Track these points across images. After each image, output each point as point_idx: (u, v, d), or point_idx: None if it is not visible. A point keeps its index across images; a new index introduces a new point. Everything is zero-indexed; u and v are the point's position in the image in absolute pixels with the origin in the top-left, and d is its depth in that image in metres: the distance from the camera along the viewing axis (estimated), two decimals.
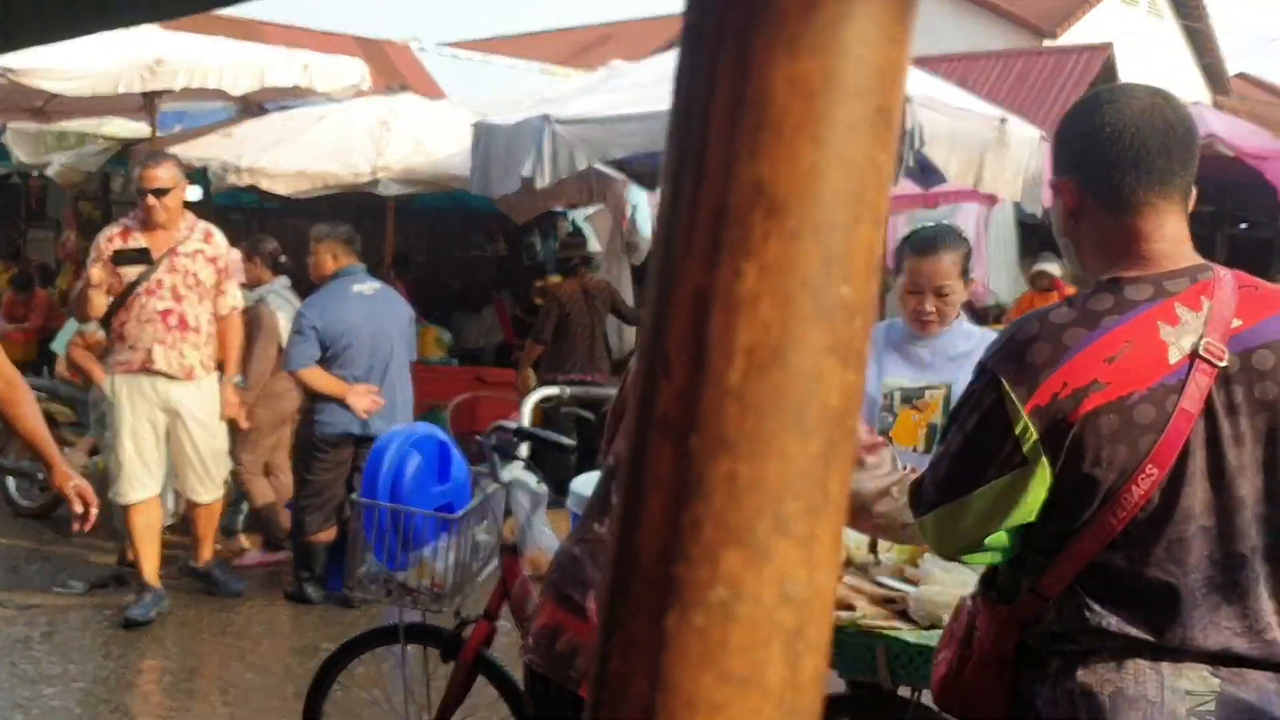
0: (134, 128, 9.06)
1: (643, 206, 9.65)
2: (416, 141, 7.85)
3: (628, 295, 8.63)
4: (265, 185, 7.63)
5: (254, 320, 5.78)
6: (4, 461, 6.50)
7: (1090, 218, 1.76)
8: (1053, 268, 10.26)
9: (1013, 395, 1.64)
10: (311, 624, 5.33)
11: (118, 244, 5.12)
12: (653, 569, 0.48)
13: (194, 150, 7.68)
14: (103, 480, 5.19)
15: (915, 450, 3.12)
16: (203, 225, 5.34)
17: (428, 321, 9.44)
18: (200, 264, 5.22)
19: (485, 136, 6.78)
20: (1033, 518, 1.68)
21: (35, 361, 8.55)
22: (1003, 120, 6.29)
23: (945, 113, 5.88)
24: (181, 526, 5.86)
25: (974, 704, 1.84)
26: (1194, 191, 1.77)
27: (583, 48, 20.60)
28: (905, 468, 2.27)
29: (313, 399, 5.43)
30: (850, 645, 2.50)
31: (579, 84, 8.08)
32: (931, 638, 2.37)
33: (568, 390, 3.23)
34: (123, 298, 5.08)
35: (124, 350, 5.13)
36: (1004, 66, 17.12)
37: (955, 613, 1.98)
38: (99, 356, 5.67)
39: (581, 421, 5.93)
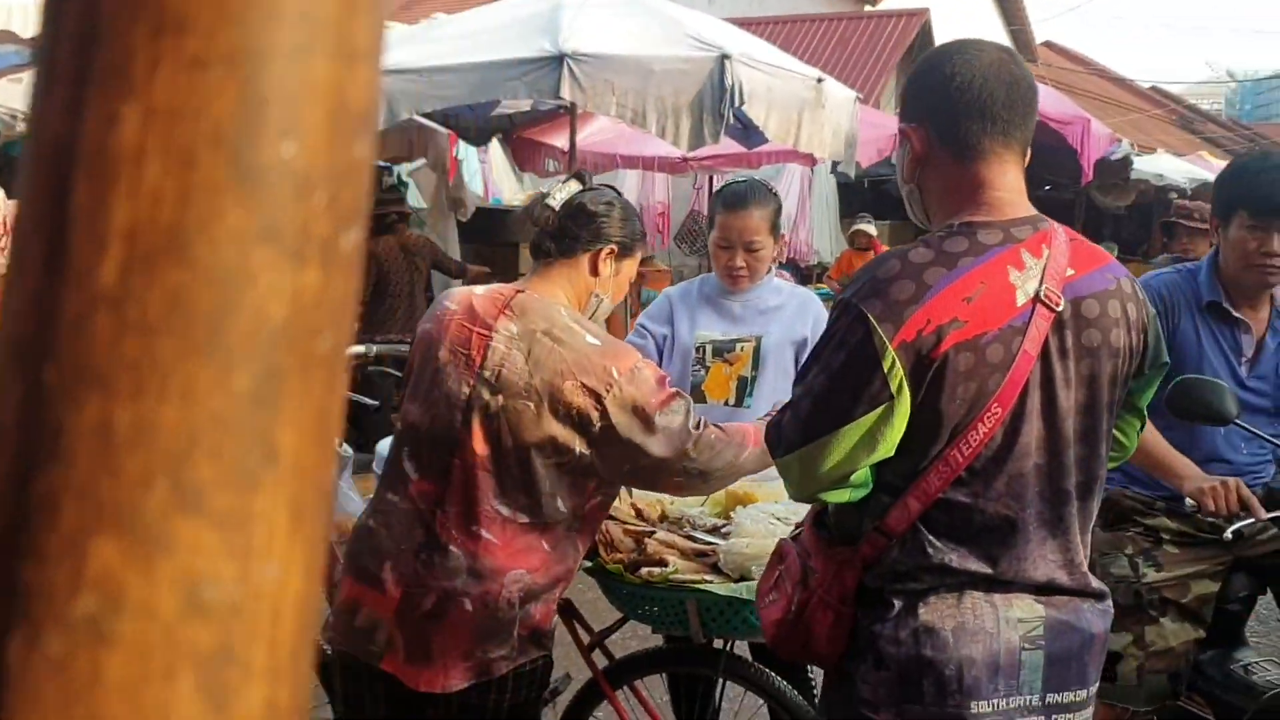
0: None
1: (471, 161, 9.48)
2: None
3: (455, 253, 8.47)
4: None
5: None
6: None
7: (936, 165, 1.82)
8: (870, 228, 10.60)
9: (880, 331, 1.67)
10: None
11: None
12: None
13: None
14: None
15: (727, 404, 3.14)
16: None
17: None
18: None
19: None
20: (891, 453, 1.71)
21: None
22: (819, 80, 6.37)
23: (764, 70, 5.91)
24: None
25: (812, 646, 1.85)
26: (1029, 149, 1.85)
27: (411, 2, 20.02)
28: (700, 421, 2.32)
29: None
30: (664, 600, 2.50)
31: (398, 35, 7.83)
32: (741, 590, 2.39)
33: (374, 348, 3.10)
34: None
35: None
36: (826, 29, 17.46)
37: (779, 555, 1.99)
38: None
39: (398, 381, 5.79)
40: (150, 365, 0.33)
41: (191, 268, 0.33)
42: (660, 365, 3.22)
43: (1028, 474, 1.75)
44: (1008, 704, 1.74)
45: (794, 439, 1.75)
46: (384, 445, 3.04)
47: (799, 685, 2.88)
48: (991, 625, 1.74)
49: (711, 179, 10.83)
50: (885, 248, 10.86)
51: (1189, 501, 2.76)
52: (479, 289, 2.41)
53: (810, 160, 9.50)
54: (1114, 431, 1.90)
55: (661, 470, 2.27)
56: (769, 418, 2.17)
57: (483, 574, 2.22)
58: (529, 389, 2.22)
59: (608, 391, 2.22)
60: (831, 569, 1.82)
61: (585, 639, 2.77)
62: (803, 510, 2.68)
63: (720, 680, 2.76)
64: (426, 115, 7.21)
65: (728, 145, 7.81)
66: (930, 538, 1.74)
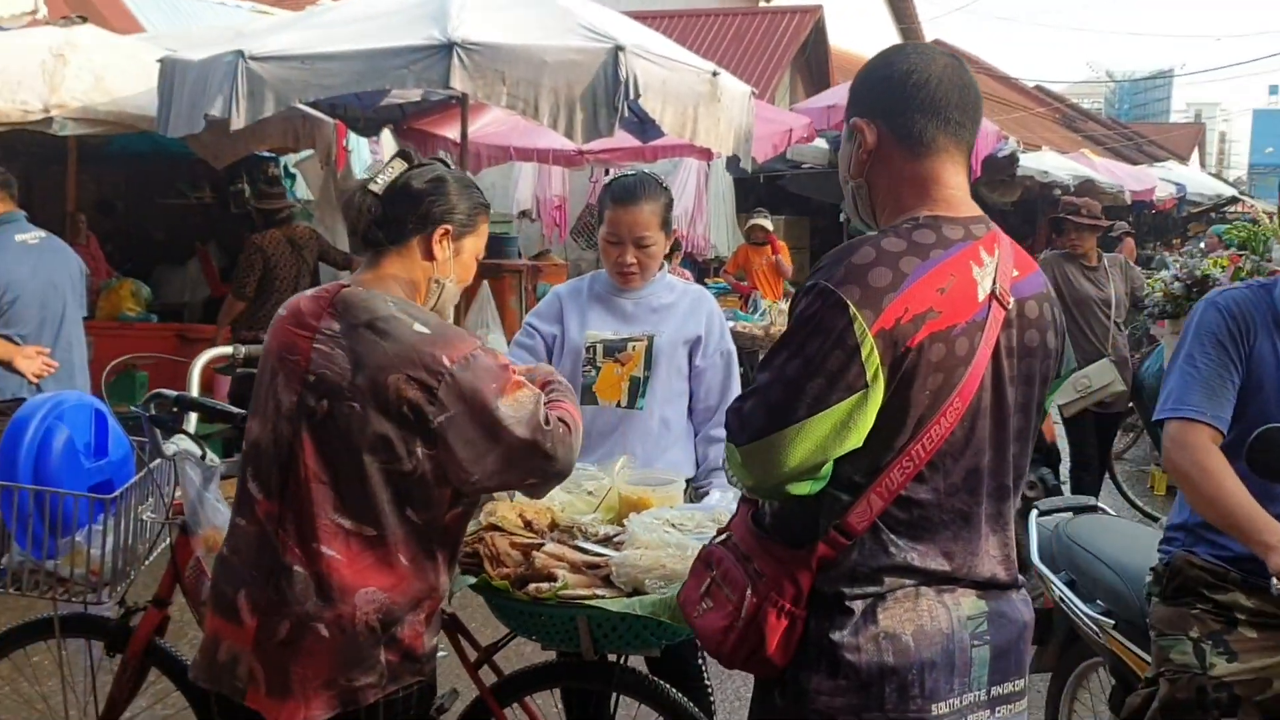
0: None
1: (362, 152, 9.20)
2: (97, 77, 7.10)
3: (343, 245, 8.20)
4: None
5: None
6: None
7: (888, 160, 1.81)
8: (766, 222, 10.64)
9: (860, 317, 1.64)
10: None
11: None
12: None
13: None
14: None
15: (619, 405, 3.04)
16: None
17: (123, 275, 8.73)
18: None
19: (173, 73, 6.20)
20: (860, 444, 1.67)
21: None
22: (714, 74, 6.30)
23: (659, 63, 5.82)
24: None
25: (763, 653, 1.75)
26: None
27: None
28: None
29: None
30: (554, 617, 2.38)
31: (279, 20, 7.54)
32: (634, 605, 2.28)
33: (242, 349, 2.91)
34: None
35: None
36: (721, 25, 17.51)
37: (705, 561, 1.89)
38: None
39: None
40: None
41: None
42: (550, 365, 3.10)
43: (982, 470, 1.76)
44: (961, 702, 1.74)
45: (761, 425, 1.68)
46: None
47: (696, 697, 2.78)
48: (946, 625, 1.73)
49: (608, 172, 10.72)
50: (782, 243, 10.94)
51: (1276, 582, 2.21)
52: (309, 291, 2.25)
53: (706, 155, 9.46)
54: None
55: (513, 466, 2.13)
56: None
57: (331, 595, 2.07)
58: (353, 389, 2.07)
59: (439, 382, 2.07)
60: (782, 571, 1.75)
61: (472, 654, 2.63)
62: (699, 516, 2.60)
63: (615, 696, 2.64)
64: (312, 105, 6.96)
65: (624, 139, 7.72)
66: (891, 536, 1.72)
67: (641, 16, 10.22)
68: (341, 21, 6.08)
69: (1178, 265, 5.62)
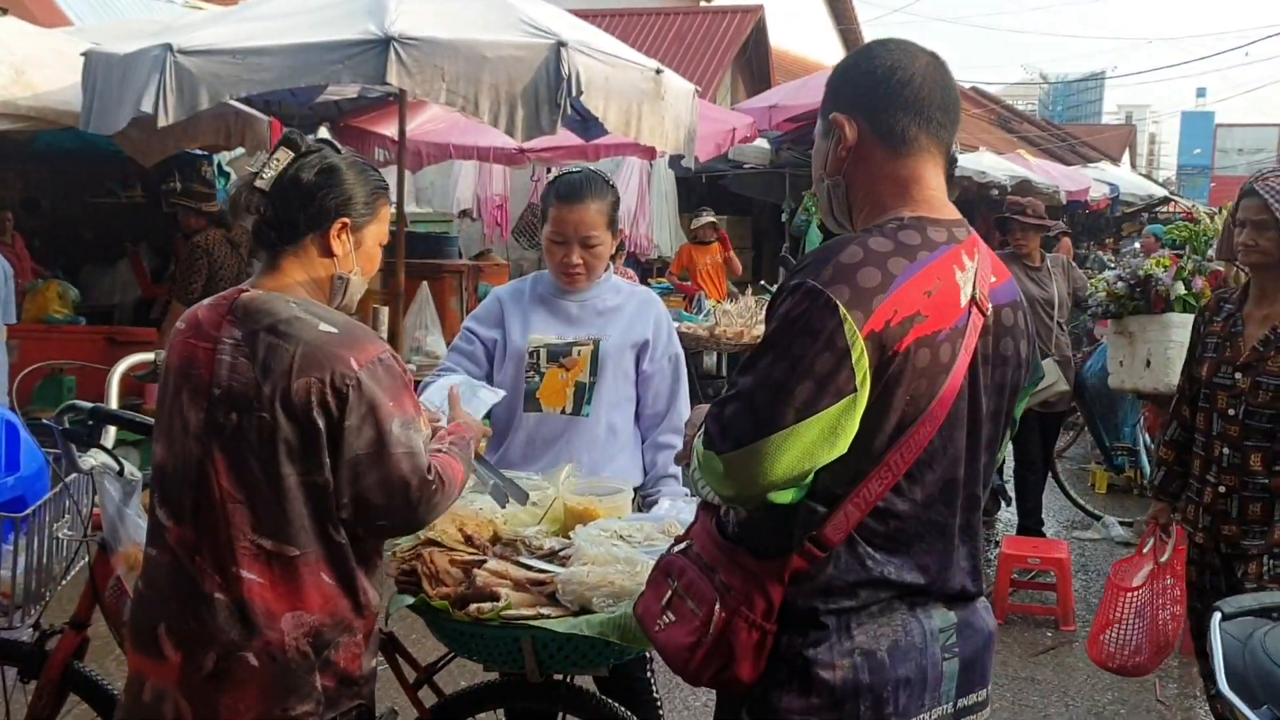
0: None
1: None
2: (17, 71, 6.86)
3: None
4: None
5: None
6: None
7: (869, 158, 1.75)
8: (717, 220, 10.59)
9: (851, 319, 1.57)
10: None
11: None
12: None
13: None
14: None
15: (564, 411, 2.92)
16: None
17: (49, 276, 8.45)
18: None
19: (98, 67, 5.98)
20: (845, 450, 1.59)
21: None
22: (658, 71, 6.21)
23: (601, 59, 5.71)
24: None
25: (733, 669, 1.67)
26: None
27: None
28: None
29: None
30: (497, 638, 2.26)
31: (210, 13, 7.33)
32: (581, 625, 2.17)
33: (163, 354, 2.76)
34: None
35: None
36: (663, 24, 17.45)
37: (666, 572, 1.80)
38: None
39: None
40: None
41: None
42: (492, 372, 2.98)
43: (958, 480, 1.70)
44: (930, 716, 1.70)
45: (745, 433, 1.58)
46: None
47: (645, 712, 2.70)
48: (920, 640, 1.68)
49: (550, 171, 10.59)
50: (729, 242, 10.93)
51: None
52: (206, 300, 2.12)
53: (650, 154, 9.37)
54: None
55: (377, 500, 1.99)
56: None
57: (255, 622, 1.95)
58: (262, 399, 1.94)
59: (346, 387, 1.95)
60: (752, 584, 1.66)
61: (411, 675, 2.51)
62: (648, 527, 2.50)
63: (561, 715, 2.53)
64: (246, 101, 6.76)
65: (566, 137, 7.59)
66: (868, 549, 1.65)
67: (582, 15, 10.11)
68: (275, 15, 5.89)
69: (1121, 266, 5.64)
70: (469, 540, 2.43)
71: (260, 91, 5.77)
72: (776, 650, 1.67)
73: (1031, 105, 55.83)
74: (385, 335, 6.47)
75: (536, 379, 2.94)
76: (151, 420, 2.67)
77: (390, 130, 8.42)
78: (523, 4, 5.87)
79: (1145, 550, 3.71)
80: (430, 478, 2.02)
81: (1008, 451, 6.34)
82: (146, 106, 5.48)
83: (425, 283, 7.88)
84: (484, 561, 2.33)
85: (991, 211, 12.21)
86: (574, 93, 5.44)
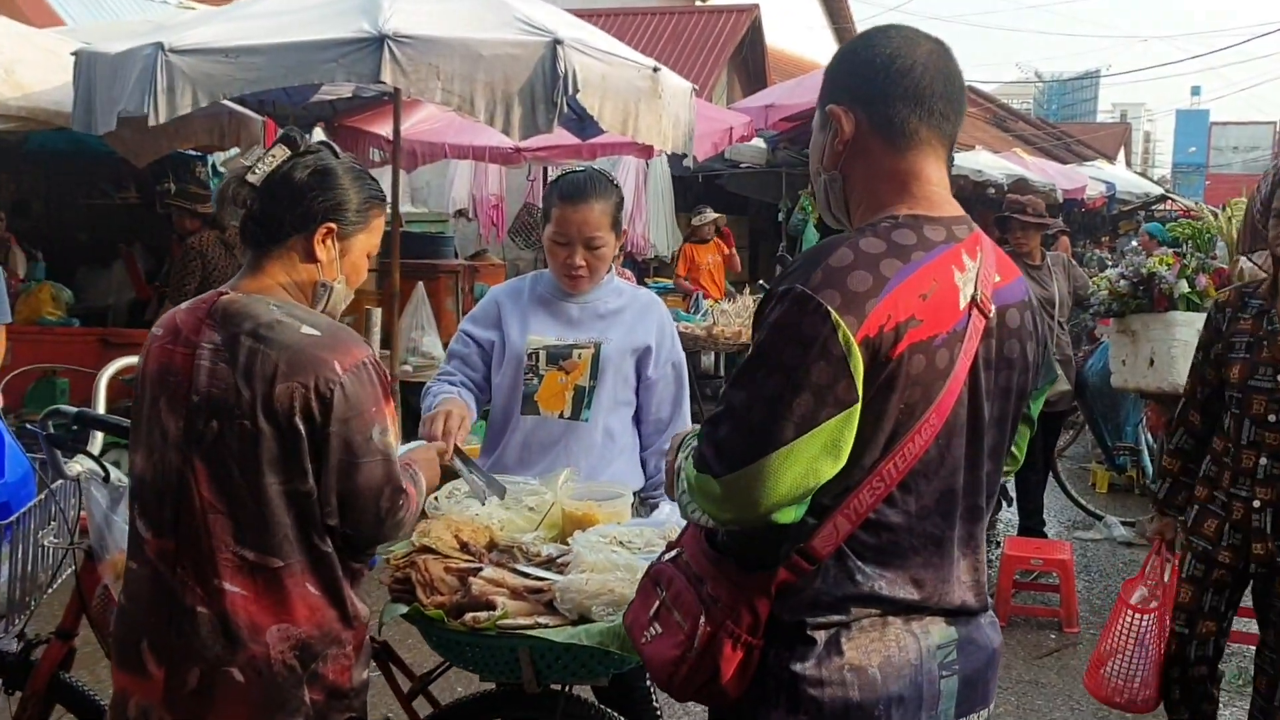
0: None
1: None
2: (7, 70, 6.80)
3: None
4: None
5: None
6: None
7: (867, 152, 1.67)
8: (719, 217, 10.54)
9: (844, 325, 1.49)
10: None
11: None
12: None
13: None
14: None
15: (562, 416, 2.86)
16: None
17: (43, 278, 8.41)
18: None
19: (88, 66, 5.92)
20: (844, 464, 1.51)
21: None
22: (655, 69, 6.15)
23: (598, 58, 5.66)
24: None
25: (717, 685, 1.60)
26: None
27: None
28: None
29: None
30: (493, 648, 2.20)
31: (203, 12, 7.27)
32: (580, 634, 2.11)
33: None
34: None
35: None
36: (659, 23, 17.41)
37: (654, 581, 1.74)
38: None
39: None
40: None
41: None
42: (490, 374, 2.93)
43: (956, 491, 1.62)
44: None
45: (743, 453, 1.51)
46: None
47: None
48: (915, 656, 1.61)
49: (546, 170, 10.53)
50: (732, 239, 10.91)
51: None
52: (184, 304, 2.05)
53: (646, 153, 9.32)
54: None
55: (353, 510, 1.95)
56: None
57: (239, 636, 1.89)
58: (243, 406, 1.88)
59: (330, 391, 1.89)
60: (739, 597, 1.60)
61: (405, 684, 2.45)
62: (649, 533, 2.44)
63: None
64: (239, 101, 6.70)
65: (562, 136, 7.53)
66: (858, 563, 1.58)
67: (578, 15, 10.06)
68: (268, 14, 5.83)
69: (1123, 264, 5.59)
70: (464, 547, 2.37)
71: (253, 91, 5.71)
72: (764, 665, 1.61)
73: (1026, 104, 55.81)
74: (378, 336, 6.41)
75: (535, 381, 2.88)
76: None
77: (385, 130, 8.36)
78: (518, 2, 5.82)
79: (1147, 570, 3.54)
80: (403, 487, 1.98)
81: None
82: (136, 106, 5.43)
83: (421, 283, 7.82)
84: (480, 569, 2.28)
85: (989, 210, 12.16)
86: (570, 91, 5.39)
